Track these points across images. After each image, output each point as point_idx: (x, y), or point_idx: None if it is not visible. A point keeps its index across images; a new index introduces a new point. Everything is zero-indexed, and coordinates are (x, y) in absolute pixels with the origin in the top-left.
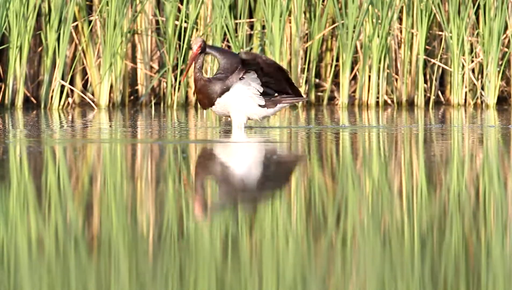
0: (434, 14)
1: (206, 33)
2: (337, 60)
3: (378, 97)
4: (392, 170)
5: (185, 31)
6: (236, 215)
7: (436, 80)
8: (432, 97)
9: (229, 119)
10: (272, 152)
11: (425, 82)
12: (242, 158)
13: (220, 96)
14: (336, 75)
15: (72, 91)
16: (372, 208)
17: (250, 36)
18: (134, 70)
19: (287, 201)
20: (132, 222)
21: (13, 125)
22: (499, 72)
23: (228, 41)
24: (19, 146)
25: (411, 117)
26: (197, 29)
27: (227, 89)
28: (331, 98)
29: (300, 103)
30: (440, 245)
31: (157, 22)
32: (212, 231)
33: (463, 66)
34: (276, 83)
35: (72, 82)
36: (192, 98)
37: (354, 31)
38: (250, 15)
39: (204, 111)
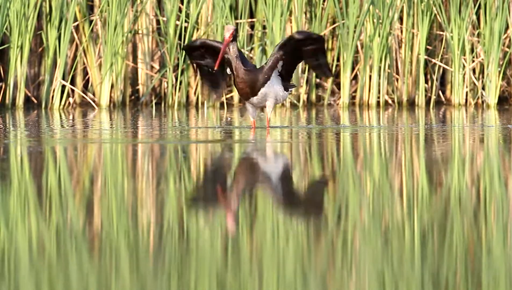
0: (435, 14)
1: (207, 33)
2: (338, 60)
3: (379, 97)
4: (392, 169)
5: (185, 31)
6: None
7: (437, 80)
8: (433, 97)
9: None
10: (271, 152)
11: (426, 82)
12: (241, 158)
13: (263, 86)
14: (337, 75)
15: (73, 91)
16: (372, 208)
17: (250, 36)
18: (135, 70)
19: (287, 200)
20: (133, 222)
21: (14, 125)
22: (500, 72)
23: None
24: (20, 146)
25: (411, 117)
26: (198, 29)
27: (268, 78)
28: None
29: (301, 103)
30: (441, 244)
31: (158, 22)
32: (212, 230)
33: (464, 66)
34: (306, 54)
35: (73, 82)
36: (193, 97)
37: (354, 31)
38: (251, 15)
39: (205, 111)
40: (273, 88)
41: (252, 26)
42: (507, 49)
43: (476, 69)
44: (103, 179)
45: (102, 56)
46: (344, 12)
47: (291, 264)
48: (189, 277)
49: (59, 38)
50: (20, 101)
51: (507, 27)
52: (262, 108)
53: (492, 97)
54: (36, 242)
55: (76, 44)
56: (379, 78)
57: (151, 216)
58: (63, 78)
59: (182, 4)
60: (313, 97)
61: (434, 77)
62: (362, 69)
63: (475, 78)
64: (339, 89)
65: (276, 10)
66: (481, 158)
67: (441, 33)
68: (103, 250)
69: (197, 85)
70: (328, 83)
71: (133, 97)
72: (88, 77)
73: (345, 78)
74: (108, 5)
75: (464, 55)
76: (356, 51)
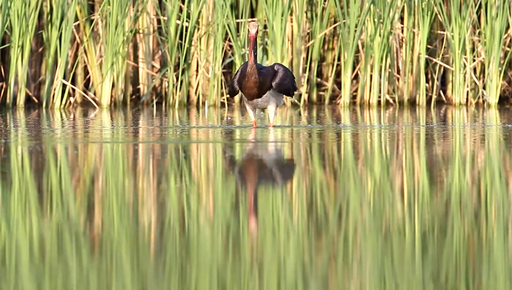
0: (436, 14)
1: (208, 33)
2: (339, 59)
3: (379, 96)
4: (393, 169)
5: (186, 31)
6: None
7: (437, 79)
8: (434, 96)
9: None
10: (275, 151)
11: (427, 81)
12: (242, 158)
13: (269, 89)
14: (338, 75)
15: (73, 90)
16: (373, 206)
17: None
18: (136, 70)
19: (288, 199)
20: (134, 221)
21: (15, 125)
22: (500, 71)
23: (229, 40)
24: (21, 146)
25: (412, 117)
26: (198, 29)
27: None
28: (333, 98)
29: (302, 102)
30: (441, 243)
31: (158, 21)
32: (213, 230)
33: (465, 65)
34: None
35: (73, 82)
36: (194, 97)
37: (355, 31)
38: (252, 15)
39: (206, 110)
40: (279, 93)
41: None
42: (507, 49)
43: (477, 69)
44: (103, 178)
45: (103, 56)
46: (345, 11)
47: (291, 264)
48: (190, 276)
49: (60, 37)
50: (21, 100)
51: (507, 27)
52: (263, 109)
53: (492, 97)
54: (36, 241)
55: (77, 44)
56: (380, 78)
57: (151, 216)
58: (64, 78)
59: (183, 3)
60: (314, 96)
61: (435, 77)
62: (363, 69)
63: (476, 77)
64: (340, 88)
65: (277, 10)
66: (481, 158)
67: (442, 32)
68: (103, 249)
69: (197, 84)
70: (329, 83)
71: (134, 97)
72: (89, 77)
73: (346, 77)
74: (109, 5)
75: (465, 55)
76: (357, 51)
